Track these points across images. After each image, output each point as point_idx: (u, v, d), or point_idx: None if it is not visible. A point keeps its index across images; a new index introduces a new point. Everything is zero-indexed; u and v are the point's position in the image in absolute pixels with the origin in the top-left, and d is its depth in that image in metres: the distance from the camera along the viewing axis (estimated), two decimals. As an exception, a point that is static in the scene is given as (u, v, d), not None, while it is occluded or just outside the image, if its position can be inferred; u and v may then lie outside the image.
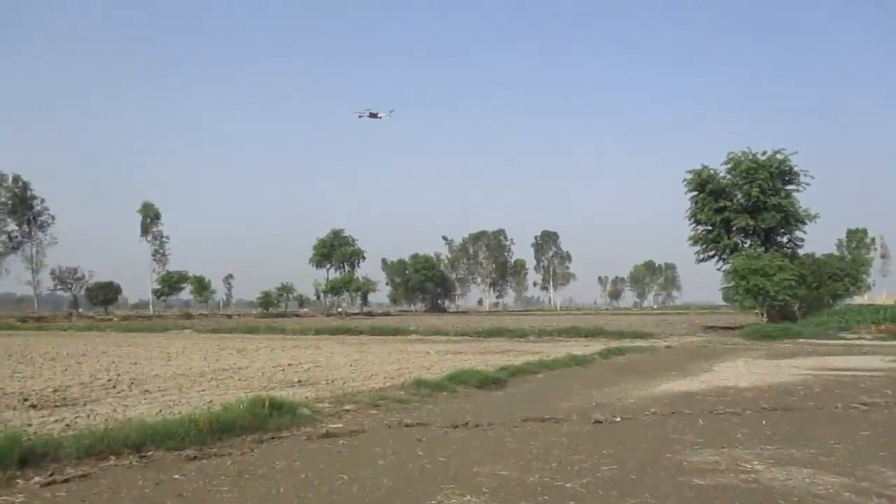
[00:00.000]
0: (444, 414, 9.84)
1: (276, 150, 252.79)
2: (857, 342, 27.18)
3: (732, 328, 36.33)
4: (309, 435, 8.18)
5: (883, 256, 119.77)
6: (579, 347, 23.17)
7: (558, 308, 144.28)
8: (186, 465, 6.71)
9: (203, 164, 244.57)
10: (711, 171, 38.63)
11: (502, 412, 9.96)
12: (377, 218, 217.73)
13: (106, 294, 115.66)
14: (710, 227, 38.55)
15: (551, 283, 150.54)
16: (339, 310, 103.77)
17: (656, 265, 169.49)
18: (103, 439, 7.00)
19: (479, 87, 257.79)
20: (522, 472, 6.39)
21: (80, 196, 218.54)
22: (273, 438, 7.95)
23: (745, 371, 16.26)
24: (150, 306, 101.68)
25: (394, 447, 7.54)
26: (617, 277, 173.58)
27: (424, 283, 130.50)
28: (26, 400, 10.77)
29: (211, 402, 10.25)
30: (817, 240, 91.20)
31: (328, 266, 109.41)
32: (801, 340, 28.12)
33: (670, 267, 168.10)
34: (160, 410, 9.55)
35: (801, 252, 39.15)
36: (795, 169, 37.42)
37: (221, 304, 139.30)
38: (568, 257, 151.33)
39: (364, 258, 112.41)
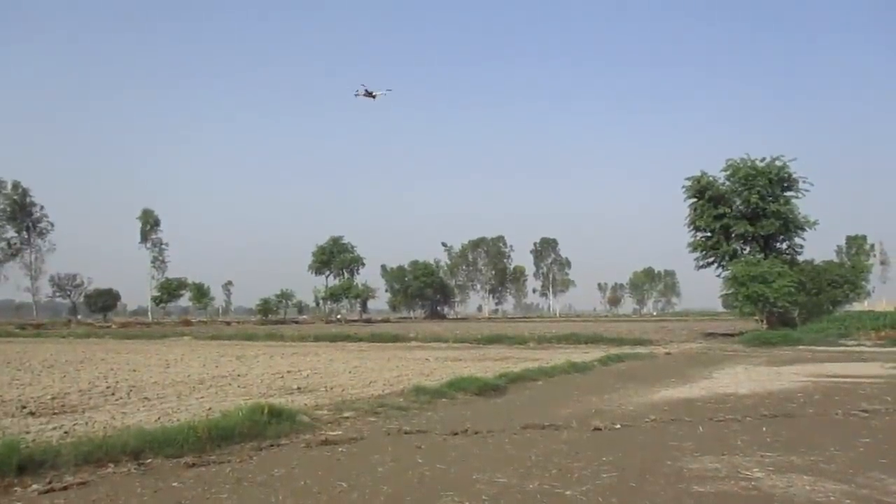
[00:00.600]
0: (443, 421, 9.82)
1: (275, 155, 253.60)
2: (857, 349, 27.15)
3: (732, 335, 36.29)
4: (308, 442, 8.16)
5: (882, 263, 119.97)
6: (579, 354, 23.13)
7: (558, 315, 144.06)
8: (185, 472, 6.68)
9: (202, 170, 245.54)
10: (710, 178, 38.68)
11: (502, 419, 9.93)
12: (376, 224, 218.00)
13: (105, 301, 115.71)
14: (709, 234, 38.59)
15: (551, 289, 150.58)
16: (339, 316, 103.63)
17: (656, 272, 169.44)
18: (102, 447, 6.98)
19: (479, 94, 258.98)
20: (522, 479, 6.38)
21: (78, 202, 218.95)
22: (272, 446, 7.93)
23: (745, 378, 16.23)
24: (149, 313, 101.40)
25: (393, 454, 7.51)
26: (616, 284, 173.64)
27: (424, 290, 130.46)
28: (24, 407, 10.75)
29: (210, 409, 10.23)
30: (817, 246, 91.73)
31: (327, 273, 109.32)
32: (800, 347, 28.09)
33: (670, 273, 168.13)
34: (159, 418, 9.53)
35: (800, 258, 39.22)
36: (794, 175, 37.49)
37: (220, 311, 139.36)
38: (567, 264, 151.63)
39: (363, 265, 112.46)
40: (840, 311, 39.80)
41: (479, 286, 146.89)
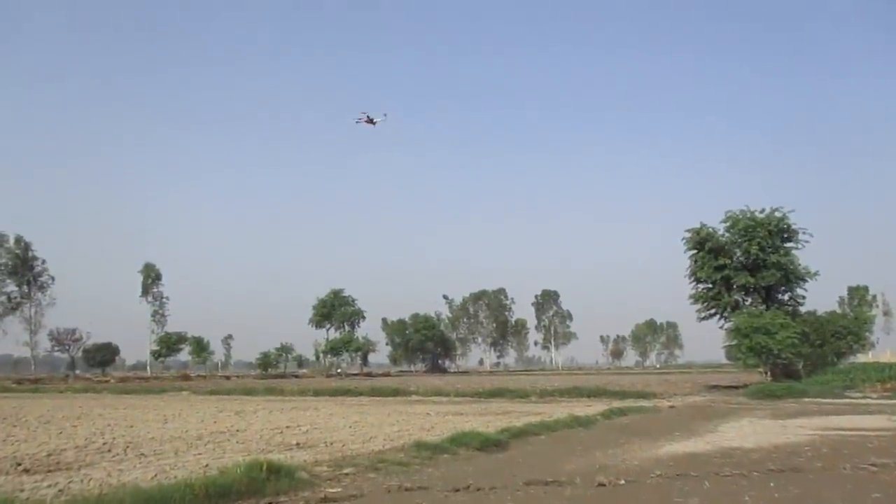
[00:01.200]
0: (444, 477, 9.66)
1: (274, 208, 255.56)
2: (863, 401, 26.83)
3: (736, 387, 35.91)
4: (307, 500, 8.02)
5: (885, 314, 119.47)
6: (581, 408, 22.86)
7: (560, 368, 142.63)
8: (181, 531, 6.56)
9: (202, 225, 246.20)
10: (710, 230, 38.94)
11: (504, 475, 9.77)
12: (377, 276, 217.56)
13: (103, 355, 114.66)
14: (710, 285, 38.63)
15: (552, 342, 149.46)
16: (339, 370, 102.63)
17: (658, 323, 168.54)
18: (97, 505, 6.87)
19: (478, 144, 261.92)
20: (525, 537, 6.24)
21: (77, 254, 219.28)
22: (270, 503, 7.79)
23: (751, 431, 16.02)
24: (148, 367, 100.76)
25: (393, 512, 7.38)
26: (618, 336, 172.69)
27: (425, 343, 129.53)
28: (19, 464, 10.59)
29: (207, 465, 10.08)
30: (819, 297, 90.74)
31: (328, 326, 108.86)
32: (806, 399, 27.77)
33: (672, 325, 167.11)
34: (155, 475, 9.38)
35: (802, 309, 39.11)
36: (794, 226, 37.76)
37: (220, 365, 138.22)
38: (569, 316, 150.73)
39: (364, 318, 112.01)
40: (844, 362, 39.49)
41: (480, 339, 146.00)
